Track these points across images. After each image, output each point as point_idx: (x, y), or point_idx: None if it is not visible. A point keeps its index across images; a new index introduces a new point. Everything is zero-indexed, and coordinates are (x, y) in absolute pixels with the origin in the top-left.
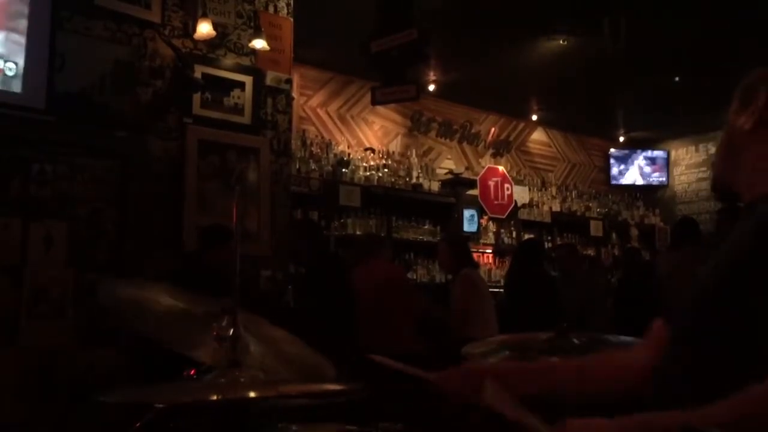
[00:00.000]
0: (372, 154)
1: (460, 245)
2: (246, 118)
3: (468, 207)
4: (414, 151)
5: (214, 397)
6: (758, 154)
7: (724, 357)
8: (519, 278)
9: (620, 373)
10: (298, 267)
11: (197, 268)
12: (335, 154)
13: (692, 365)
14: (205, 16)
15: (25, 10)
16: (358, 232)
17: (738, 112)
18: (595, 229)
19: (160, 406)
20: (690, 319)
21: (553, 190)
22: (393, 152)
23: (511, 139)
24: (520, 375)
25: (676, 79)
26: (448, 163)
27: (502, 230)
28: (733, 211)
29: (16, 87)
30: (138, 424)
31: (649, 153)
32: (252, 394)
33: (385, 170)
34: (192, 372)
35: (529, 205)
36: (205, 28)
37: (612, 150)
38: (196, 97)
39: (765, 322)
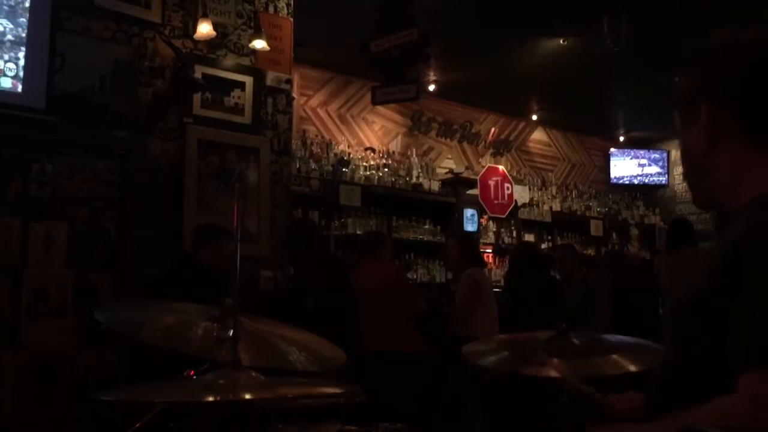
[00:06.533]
0: (372, 154)
1: (470, 244)
2: (246, 118)
3: (468, 207)
4: (414, 151)
5: (213, 398)
6: (727, 167)
7: (706, 362)
8: (520, 280)
9: None
10: (294, 268)
11: (191, 266)
12: (335, 154)
13: (681, 369)
14: (205, 16)
15: (25, 10)
16: (358, 232)
17: (685, 131)
18: (595, 228)
19: (160, 406)
20: (677, 324)
21: (553, 189)
22: (393, 152)
23: (511, 138)
24: None
25: (676, 79)
26: (448, 163)
27: (502, 230)
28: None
29: (16, 87)
30: (138, 424)
31: (649, 153)
32: (250, 396)
33: (386, 170)
34: (191, 372)
35: (530, 204)
36: (205, 28)
37: (612, 150)
38: (196, 97)
39: (736, 330)
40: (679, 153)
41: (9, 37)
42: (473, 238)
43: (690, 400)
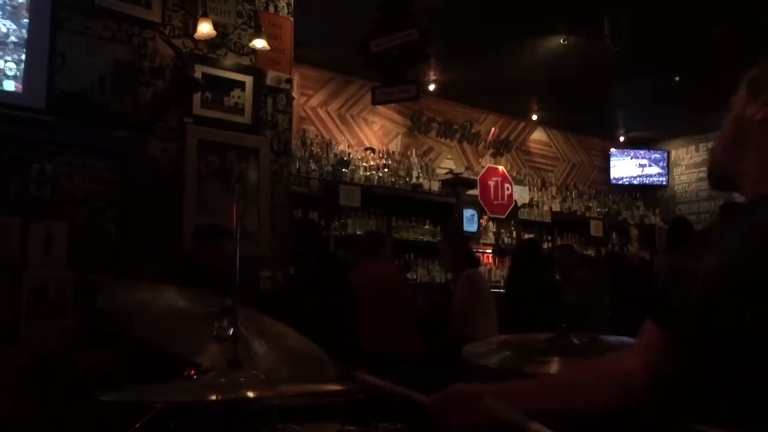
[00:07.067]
0: (372, 154)
1: (462, 244)
2: (246, 118)
3: (468, 207)
4: (414, 151)
5: (214, 398)
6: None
7: (729, 360)
8: (519, 279)
9: (609, 383)
10: (294, 268)
11: (192, 266)
12: (335, 154)
13: (697, 368)
14: (205, 15)
15: (22, 7)
16: (358, 232)
17: (747, 103)
18: (595, 229)
19: (160, 406)
20: (695, 321)
21: (553, 189)
22: (393, 152)
23: (511, 139)
24: (509, 396)
25: (676, 79)
26: (448, 163)
27: (502, 230)
28: (735, 208)
29: (16, 87)
30: (138, 424)
31: (649, 153)
32: (251, 395)
33: (385, 170)
34: (191, 372)
35: (529, 204)
36: (205, 28)
37: (612, 150)
38: (196, 97)
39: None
40: (678, 153)
41: (12, 38)
42: (465, 240)
43: (694, 399)
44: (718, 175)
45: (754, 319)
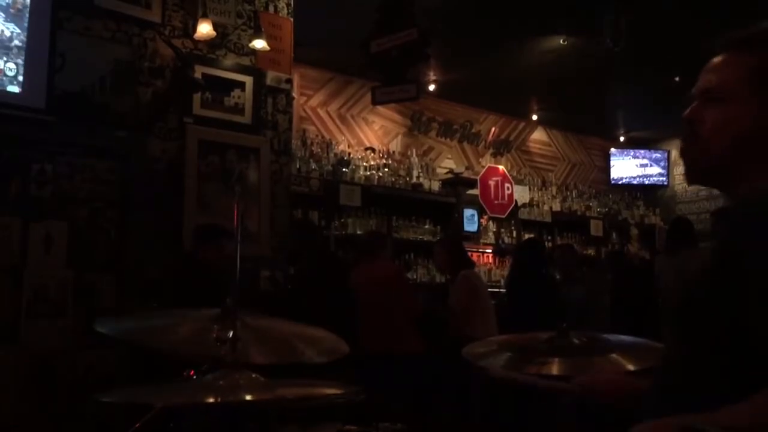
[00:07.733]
0: (372, 154)
1: (456, 247)
2: (246, 118)
3: (468, 207)
4: (414, 151)
5: (213, 399)
6: None
7: (716, 356)
8: (520, 278)
9: None
10: (294, 268)
11: (192, 266)
12: (335, 154)
13: (688, 365)
14: (205, 16)
15: (26, 10)
16: (358, 232)
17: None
18: (595, 228)
19: (160, 406)
20: (683, 318)
21: (554, 189)
22: (393, 152)
23: (512, 138)
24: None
25: (676, 79)
26: (448, 163)
27: (502, 230)
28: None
29: (16, 87)
30: (138, 424)
31: (649, 153)
32: (249, 397)
33: (386, 170)
34: (191, 372)
35: (530, 204)
36: (205, 28)
37: (612, 150)
38: (196, 97)
39: (755, 323)
40: (678, 153)
41: (16, 42)
42: (459, 242)
43: (693, 397)
44: (710, 171)
45: (729, 316)
